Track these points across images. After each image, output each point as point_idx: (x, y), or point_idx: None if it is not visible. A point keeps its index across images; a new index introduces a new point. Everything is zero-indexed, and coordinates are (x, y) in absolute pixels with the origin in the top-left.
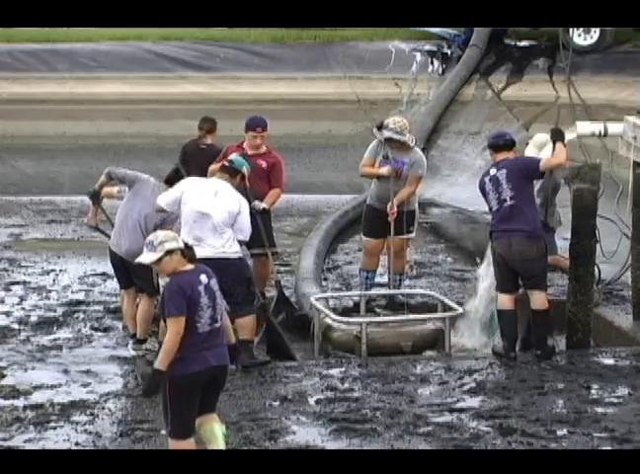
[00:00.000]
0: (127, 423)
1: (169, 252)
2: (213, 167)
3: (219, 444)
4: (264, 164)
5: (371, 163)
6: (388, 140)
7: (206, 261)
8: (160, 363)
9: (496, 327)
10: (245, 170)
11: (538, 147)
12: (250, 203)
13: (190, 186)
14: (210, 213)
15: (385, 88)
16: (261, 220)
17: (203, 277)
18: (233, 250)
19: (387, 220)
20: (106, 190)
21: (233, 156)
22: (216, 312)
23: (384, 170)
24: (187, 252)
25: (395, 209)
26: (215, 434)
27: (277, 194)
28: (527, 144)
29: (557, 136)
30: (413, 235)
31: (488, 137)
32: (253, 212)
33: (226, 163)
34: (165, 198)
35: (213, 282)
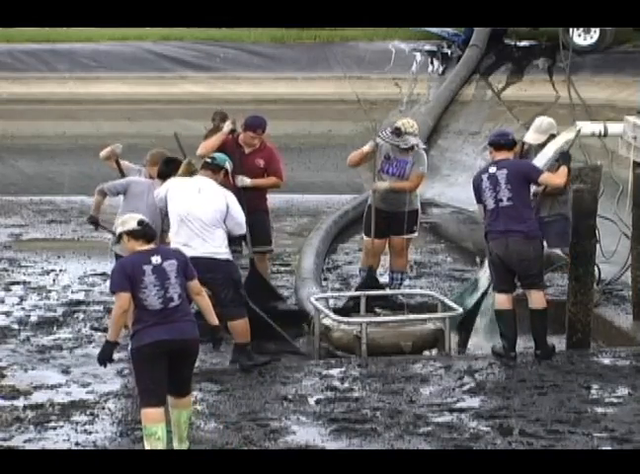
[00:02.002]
0: (127, 423)
1: (119, 236)
2: (212, 140)
3: (180, 434)
4: (261, 162)
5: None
6: (412, 147)
7: (194, 259)
8: (109, 335)
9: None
10: (228, 165)
11: (540, 132)
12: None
13: (173, 185)
14: (196, 212)
15: (385, 88)
16: (250, 218)
17: (155, 258)
18: (221, 251)
19: (389, 221)
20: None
21: (216, 153)
22: (168, 292)
23: (366, 147)
24: (136, 233)
25: (380, 186)
26: (179, 423)
27: (271, 180)
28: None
29: (564, 159)
30: (415, 235)
31: (490, 135)
32: (238, 185)
33: (208, 160)
34: (156, 195)
35: (168, 264)
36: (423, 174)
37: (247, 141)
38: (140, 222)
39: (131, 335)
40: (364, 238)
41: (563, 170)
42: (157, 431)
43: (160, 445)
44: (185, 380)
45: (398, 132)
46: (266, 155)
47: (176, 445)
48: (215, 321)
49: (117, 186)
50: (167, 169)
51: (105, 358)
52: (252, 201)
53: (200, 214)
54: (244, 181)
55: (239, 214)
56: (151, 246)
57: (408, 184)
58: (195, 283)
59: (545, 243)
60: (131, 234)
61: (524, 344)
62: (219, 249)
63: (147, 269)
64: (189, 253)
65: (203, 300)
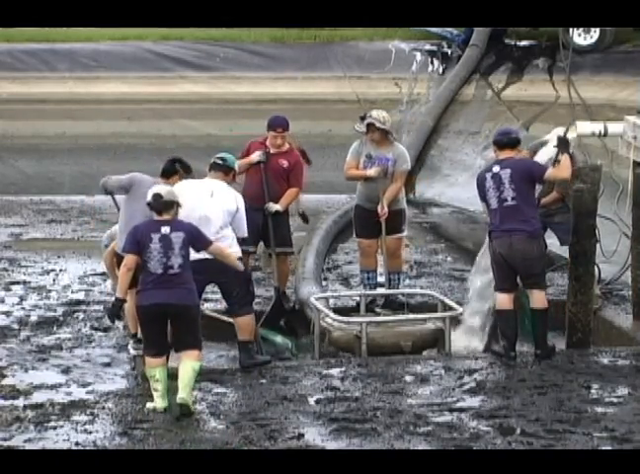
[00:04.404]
0: (127, 423)
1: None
2: (242, 161)
3: (183, 383)
4: (285, 163)
5: (355, 165)
6: (369, 126)
7: (206, 261)
8: (117, 292)
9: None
10: (237, 166)
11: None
12: (265, 204)
13: (184, 189)
14: (209, 215)
15: (385, 88)
16: (272, 219)
17: (165, 229)
18: (234, 249)
19: (378, 220)
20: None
21: (224, 153)
22: (170, 260)
23: (372, 171)
24: (149, 205)
25: (386, 209)
26: (183, 372)
27: (293, 193)
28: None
29: (563, 147)
30: (405, 234)
31: (494, 133)
32: (266, 214)
33: (219, 161)
34: None
35: (176, 235)
36: (406, 171)
37: (271, 142)
38: (154, 196)
39: (136, 292)
40: (357, 239)
41: (565, 160)
42: (155, 373)
43: (160, 387)
44: (184, 340)
45: (362, 118)
46: (291, 159)
47: (179, 394)
48: (237, 264)
49: (119, 182)
50: (172, 168)
51: (113, 314)
52: (274, 202)
53: (213, 218)
54: (273, 207)
55: (243, 219)
56: (166, 217)
57: (394, 188)
58: (212, 248)
59: (558, 242)
60: (148, 205)
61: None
62: (230, 249)
63: (155, 237)
64: (200, 256)
65: (224, 252)
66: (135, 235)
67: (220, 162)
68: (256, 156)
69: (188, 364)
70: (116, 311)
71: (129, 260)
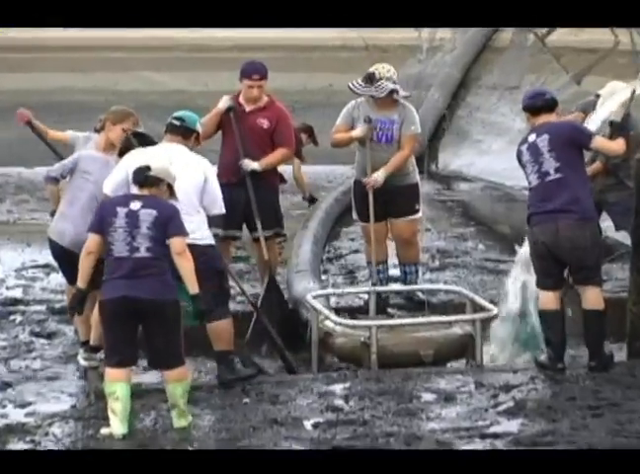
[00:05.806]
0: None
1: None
2: (207, 117)
3: (179, 409)
4: (265, 123)
5: (345, 129)
6: (390, 93)
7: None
8: (78, 281)
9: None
10: (199, 127)
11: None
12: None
13: (135, 161)
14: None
15: (399, 32)
16: (256, 194)
17: (134, 204)
18: (199, 236)
19: (383, 199)
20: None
21: (183, 112)
22: (135, 240)
23: (357, 131)
24: (133, 176)
25: (378, 178)
26: (174, 397)
27: (280, 154)
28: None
29: (617, 130)
30: (419, 215)
31: (523, 98)
32: (243, 174)
33: (175, 122)
34: (109, 184)
35: (145, 212)
36: (416, 134)
37: (246, 94)
38: (140, 166)
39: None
40: (360, 223)
41: (620, 139)
42: (115, 389)
43: (119, 406)
44: (161, 350)
45: (371, 78)
46: (272, 115)
47: (175, 422)
48: (195, 288)
49: (65, 165)
50: (128, 145)
51: (73, 308)
52: (257, 175)
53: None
54: (250, 165)
55: (217, 190)
56: (144, 192)
57: (401, 156)
58: (176, 241)
59: (614, 226)
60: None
61: (575, 351)
62: (196, 234)
63: (121, 212)
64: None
65: (184, 261)
66: (100, 211)
67: (177, 123)
68: (222, 102)
69: (177, 387)
70: (75, 304)
71: (91, 242)
